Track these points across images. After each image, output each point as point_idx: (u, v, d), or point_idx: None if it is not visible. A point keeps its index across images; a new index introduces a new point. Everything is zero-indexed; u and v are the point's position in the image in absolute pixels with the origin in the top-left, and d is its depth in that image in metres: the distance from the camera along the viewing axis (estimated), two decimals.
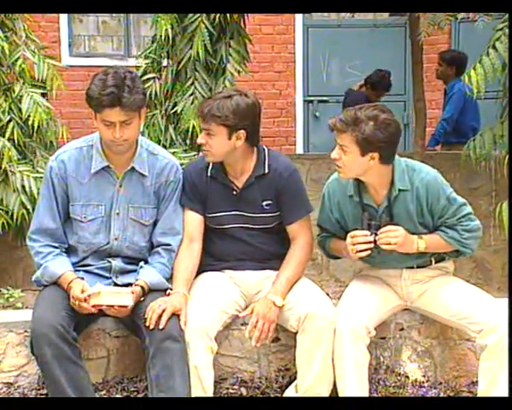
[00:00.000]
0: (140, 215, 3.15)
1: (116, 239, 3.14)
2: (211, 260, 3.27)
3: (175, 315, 2.94)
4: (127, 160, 3.10)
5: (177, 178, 3.19)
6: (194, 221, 3.21)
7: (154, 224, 3.19)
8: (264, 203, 3.19)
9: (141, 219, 3.16)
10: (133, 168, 3.11)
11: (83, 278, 3.05)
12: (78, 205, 3.10)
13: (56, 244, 3.12)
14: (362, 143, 2.93)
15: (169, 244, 3.17)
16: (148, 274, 3.10)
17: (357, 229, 3.07)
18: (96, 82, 2.95)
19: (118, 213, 3.12)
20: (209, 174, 3.20)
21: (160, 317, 2.91)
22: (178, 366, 2.88)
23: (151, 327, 2.90)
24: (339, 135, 2.98)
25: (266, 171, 3.19)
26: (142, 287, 3.05)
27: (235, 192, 3.20)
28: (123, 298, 2.98)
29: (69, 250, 3.16)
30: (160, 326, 2.89)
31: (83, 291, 2.94)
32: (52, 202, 3.10)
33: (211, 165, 3.20)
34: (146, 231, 3.18)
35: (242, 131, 3.08)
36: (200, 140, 3.14)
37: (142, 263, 3.16)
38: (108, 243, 3.14)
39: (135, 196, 3.13)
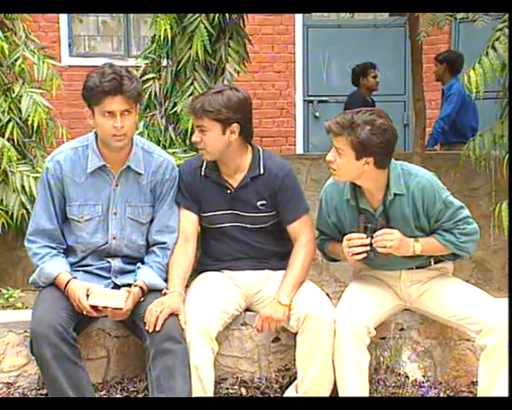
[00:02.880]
0: (137, 214, 3.15)
1: (114, 238, 3.14)
2: (209, 260, 3.27)
3: (174, 315, 2.94)
4: (123, 158, 3.10)
5: (173, 177, 3.19)
6: (189, 220, 3.21)
7: (151, 222, 3.19)
8: (259, 203, 3.19)
9: (138, 217, 3.16)
10: (129, 167, 3.11)
11: (76, 278, 3.04)
12: (75, 205, 3.10)
13: (54, 245, 3.12)
14: (357, 147, 2.93)
15: (164, 242, 3.17)
16: (146, 274, 3.10)
17: (353, 232, 3.07)
18: (93, 75, 2.97)
19: (115, 213, 3.12)
20: (203, 173, 3.20)
21: (157, 319, 2.91)
22: (179, 367, 2.88)
23: (150, 331, 2.91)
24: (334, 137, 2.98)
25: (261, 172, 3.18)
26: (141, 288, 3.05)
27: (229, 191, 3.20)
28: (114, 300, 2.97)
29: (68, 251, 3.16)
30: (157, 328, 2.89)
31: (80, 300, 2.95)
32: (49, 203, 3.11)
33: (205, 164, 3.20)
34: (144, 229, 3.18)
35: (236, 124, 3.08)
36: (194, 138, 3.14)
37: (139, 264, 3.16)
38: (107, 243, 3.14)
39: (131, 194, 3.13)
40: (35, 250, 3.11)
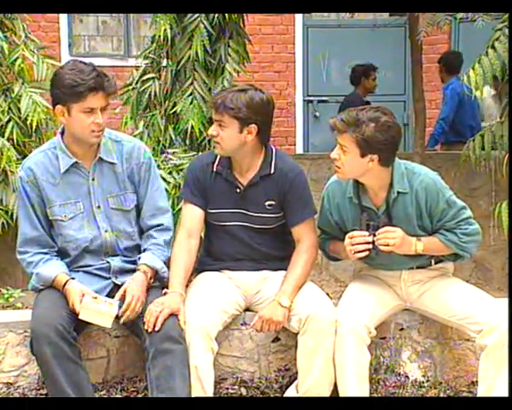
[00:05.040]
0: (120, 203, 3.14)
1: (106, 231, 3.13)
2: (210, 259, 3.27)
3: (174, 316, 2.94)
4: (93, 152, 3.10)
5: (147, 158, 3.18)
6: (194, 216, 3.20)
7: (137, 209, 3.18)
8: (267, 203, 3.19)
9: (122, 206, 3.15)
10: (101, 159, 3.10)
11: (74, 278, 3.03)
12: (56, 206, 3.09)
13: (45, 250, 3.11)
14: (362, 144, 2.93)
15: (161, 224, 3.17)
16: (147, 257, 3.09)
17: (356, 230, 3.07)
18: (67, 72, 2.95)
19: (99, 207, 3.12)
20: (214, 169, 3.20)
21: (157, 319, 2.91)
22: (179, 367, 2.87)
23: (149, 330, 2.90)
24: (339, 135, 2.98)
25: (272, 171, 3.18)
26: (144, 272, 3.04)
27: (238, 190, 3.19)
28: (102, 318, 2.96)
29: (60, 252, 3.15)
30: (156, 328, 2.89)
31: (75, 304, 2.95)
32: (29, 211, 3.09)
33: (217, 160, 3.20)
34: (130, 216, 3.17)
35: (254, 125, 3.08)
36: (211, 131, 3.14)
37: (139, 255, 3.15)
38: (100, 237, 3.12)
39: (110, 185, 3.12)
40: (28, 260, 3.10)
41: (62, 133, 3.11)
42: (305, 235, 3.20)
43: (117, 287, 3.12)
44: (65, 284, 3.00)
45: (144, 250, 3.16)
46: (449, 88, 6.79)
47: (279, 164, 3.19)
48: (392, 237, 3.01)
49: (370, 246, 3.03)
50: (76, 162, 3.08)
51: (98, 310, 2.96)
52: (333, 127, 2.99)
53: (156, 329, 2.89)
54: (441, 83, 7.29)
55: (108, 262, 3.15)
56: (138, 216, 3.21)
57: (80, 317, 2.94)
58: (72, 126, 3.01)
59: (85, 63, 3.00)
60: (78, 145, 3.07)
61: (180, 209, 3.64)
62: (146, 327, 2.91)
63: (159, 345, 2.88)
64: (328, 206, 3.21)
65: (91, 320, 2.96)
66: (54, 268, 3.06)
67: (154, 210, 3.18)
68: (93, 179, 3.10)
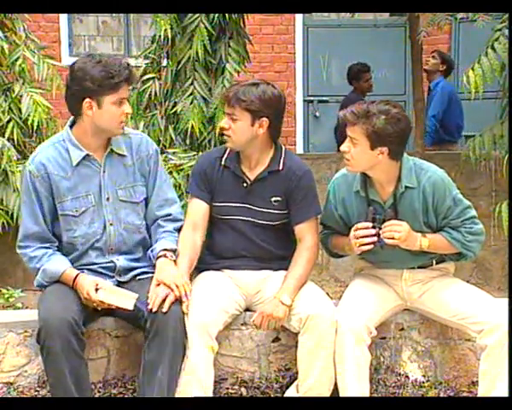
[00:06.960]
0: (130, 195, 3.14)
1: (111, 224, 3.12)
2: (211, 258, 3.27)
3: (178, 304, 2.94)
4: (104, 145, 3.10)
5: (155, 150, 3.22)
6: (200, 210, 3.21)
7: (146, 201, 3.19)
8: (273, 199, 3.19)
9: (131, 198, 3.15)
10: (112, 151, 3.11)
11: (83, 271, 3.04)
12: (68, 200, 3.08)
13: (47, 245, 3.10)
14: (372, 136, 2.94)
15: (169, 214, 3.18)
16: (162, 244, 3.10)
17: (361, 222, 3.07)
18: (96, 66, 2.95)
19: (108, 199, 3.11)
20: (223, 163, 3.21)
21: (163, 301, 2.91)
22: (172, 360, 2.88)
23: (154, 310, 2.90)
24: (349, 127, 2.99)
25: (280, 168, 3.19)
26: (165, 256, 3.05)
27: (245, 184, 3.20)
28: (125, 301, 2.97)
29: (65, 248, 3.13)
30: (164, 310, 2.89)
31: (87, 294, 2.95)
32: (34, 206, 3.07)
33: (226, 155, 3.21)
34: (139, 208, 3.17)
35: (265, 119, 3.09)
36: (222, 124, 3.15)
37: (149, 252, 3.15)
38: (105, 230, 3.11)
39: (119, 177, 3.12)
40: (30, 254, 3.09)
41: (71, 126, 3.10)
42: (307, 234, 3.20)
43: (121, 284, 3.11)
44: (75, 277, 2.99)
45: (156, 241, 3.15)
46: (438, 86, 6.82)
47: (288, 161, 3.21)
48: (397, 231, 3.01)
49: (375, 239, 3.03)
50: (87, 155, 3.08)
51: (121, 292, 2.98)
52: (343, 119, 3.00)
53: (164, 311, 2.89)
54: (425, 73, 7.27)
55: (113, 262, 3.14)
56: (146, 209, 3.21)
57: (101, 298, 2.94)
58: (101, 119, 3.01)
59: (104, 56, 3.03)
60: (95, 138, 3.07)
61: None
62: (150, 306, 2.91)
63: (158, 327, 2.88)
64: (333, 200, 3.21)
65: (113, 302, 2.96)
66: (60, 263, 3.05)
67: (162, 201, 3.19)
68: (104, 172, 3.10)
